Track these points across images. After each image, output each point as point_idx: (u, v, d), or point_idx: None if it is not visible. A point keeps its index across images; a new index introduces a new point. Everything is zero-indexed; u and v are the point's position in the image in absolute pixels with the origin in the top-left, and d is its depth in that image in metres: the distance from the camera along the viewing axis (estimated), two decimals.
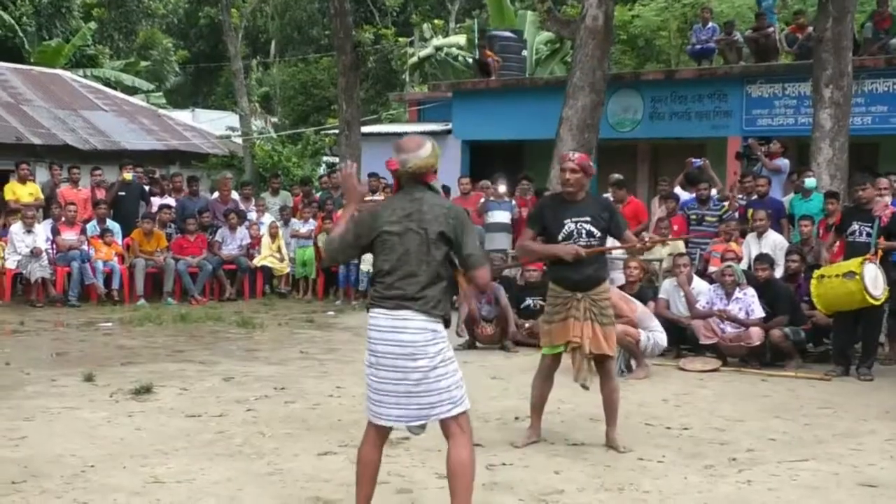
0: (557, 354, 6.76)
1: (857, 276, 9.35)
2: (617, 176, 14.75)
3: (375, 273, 4.86)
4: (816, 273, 9.99)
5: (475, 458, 4.76)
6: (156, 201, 16.31)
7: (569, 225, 6.54)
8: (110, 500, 5.31)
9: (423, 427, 4.83)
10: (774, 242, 11.94)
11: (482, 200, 15.04)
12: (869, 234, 10.17)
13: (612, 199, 13.12)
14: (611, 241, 6.87)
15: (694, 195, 13.81)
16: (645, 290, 11.25)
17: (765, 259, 10.84)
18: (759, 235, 12.03)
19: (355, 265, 14.81)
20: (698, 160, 14.79)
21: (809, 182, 13.01)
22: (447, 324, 4.78)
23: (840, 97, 14.03)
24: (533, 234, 6.76)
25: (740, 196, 13.38)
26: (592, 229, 6.57)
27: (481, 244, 13.74)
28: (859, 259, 9.56)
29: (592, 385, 6.77)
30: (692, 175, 14.69)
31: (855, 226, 10.27)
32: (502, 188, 15.00)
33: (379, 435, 4.86)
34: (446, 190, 14.60)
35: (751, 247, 12.01)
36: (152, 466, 6.00)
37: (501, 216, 14.73)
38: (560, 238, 6.56)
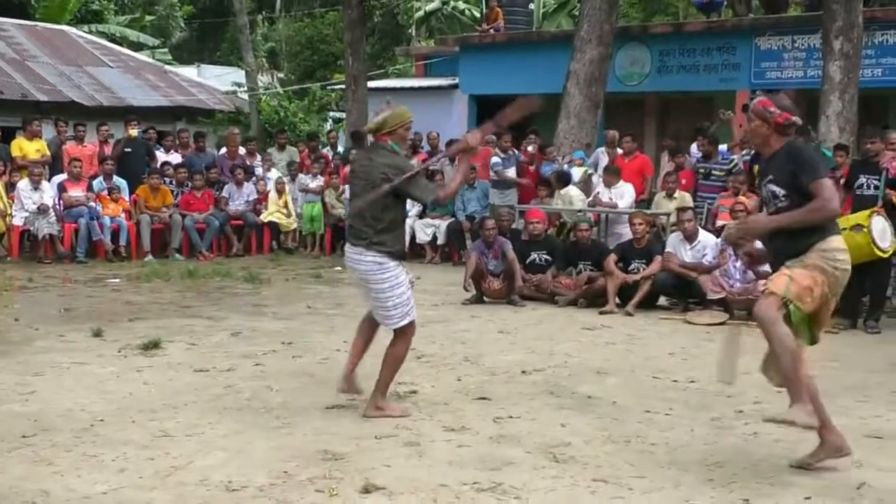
0: None
1: (865, 229, 9.28)
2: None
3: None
4: None
5: (406, 355, 6.12)
6: (161, 157, 16.27)
7: None
8: (120, 454, 5.33)
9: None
10: None
11: (494, 159, 15.06)
12: (876, 187, 10.11)
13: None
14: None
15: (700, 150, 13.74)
16: (653, 244, 11.25)
17: None
18: None
19: None
20: (727, 112, 14.58)
21: None
22: (394, 256, 5.99)
23: (850, 49, 13.87)
24: None
25: (744, 152, 13.28)
26: None
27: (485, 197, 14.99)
28: (867, 212, 9.49)
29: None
30: (704, 129, 14.59)
31: (862, 179, 10.21)
32: (511, 172, 15.15)
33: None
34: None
35: None
36: (161, 420, 6.02)
37: (508, 172, 14.84)
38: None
